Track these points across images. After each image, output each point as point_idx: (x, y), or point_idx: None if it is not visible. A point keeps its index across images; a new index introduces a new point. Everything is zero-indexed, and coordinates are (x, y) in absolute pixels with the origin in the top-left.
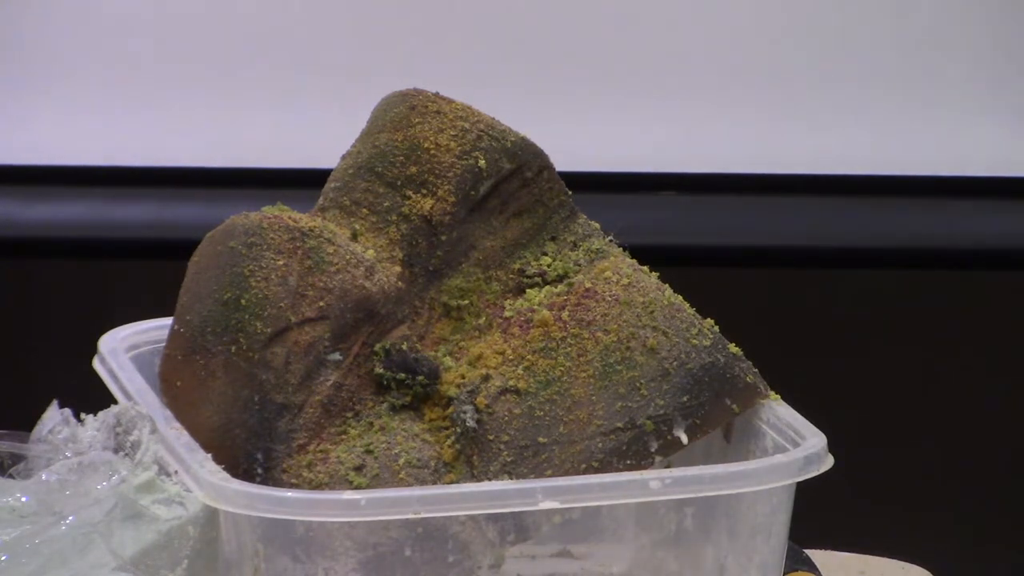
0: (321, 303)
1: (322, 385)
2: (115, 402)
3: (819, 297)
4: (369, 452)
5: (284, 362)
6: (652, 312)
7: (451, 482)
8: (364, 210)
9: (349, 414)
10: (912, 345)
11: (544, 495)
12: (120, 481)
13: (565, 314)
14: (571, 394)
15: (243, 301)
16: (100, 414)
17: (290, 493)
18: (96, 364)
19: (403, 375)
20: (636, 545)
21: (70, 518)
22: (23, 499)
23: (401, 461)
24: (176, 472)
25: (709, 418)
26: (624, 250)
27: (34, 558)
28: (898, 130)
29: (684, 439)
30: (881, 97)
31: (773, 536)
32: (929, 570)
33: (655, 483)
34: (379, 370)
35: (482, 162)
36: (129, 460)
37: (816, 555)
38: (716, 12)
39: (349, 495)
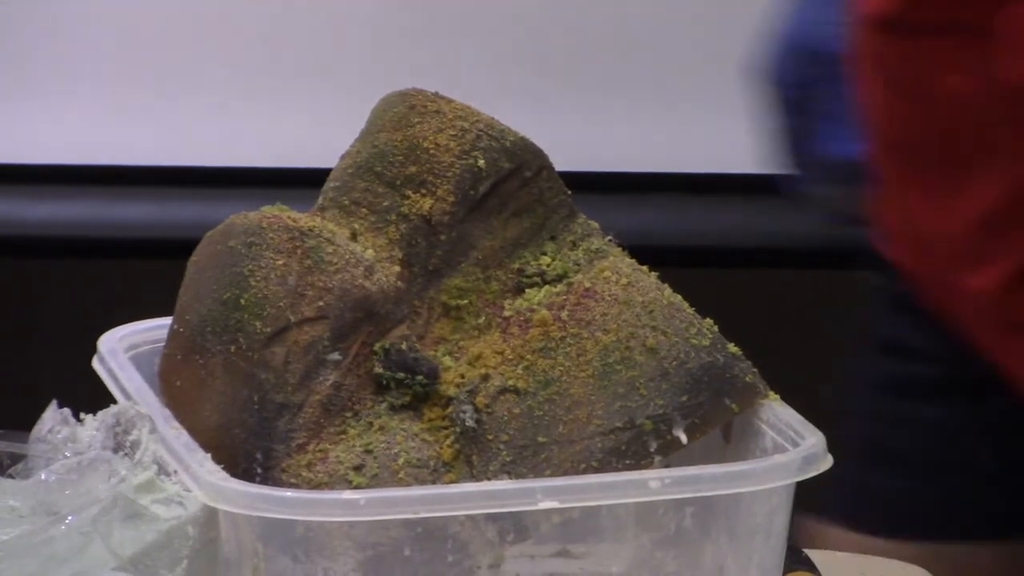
0: (320, 303)
1: (321, 385)
2: (115, 402)
3: (819, 297)
4: (368, 452)
5: (283, 362)
6: (651, 312)
7: (450, 482)
8: (363, 210)
9: (348, 414)
10: None
11: (544, 495)
12: (119, 481)
13: (564, 314)
14: (570, 394)
15: (242, 301)
16: (100, 414)
17: (289, 493)
18: (95, 364)
19: (402, 375)
20: (635, 545)
21: (70, 518)
22: (23, 499)
23: (400, 461)
24: (175, 472)
25: (708, 418)
26: (624, 250)
27: (34, 558)
28: None
29: (683, 439)
30: None
31: (773, 536)
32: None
33: (655, 483)
34: (378, 370)
35: (481, 162)
36: (128, 460)
37: (816, 555)
38: (716, 13)
39: (349, 495)
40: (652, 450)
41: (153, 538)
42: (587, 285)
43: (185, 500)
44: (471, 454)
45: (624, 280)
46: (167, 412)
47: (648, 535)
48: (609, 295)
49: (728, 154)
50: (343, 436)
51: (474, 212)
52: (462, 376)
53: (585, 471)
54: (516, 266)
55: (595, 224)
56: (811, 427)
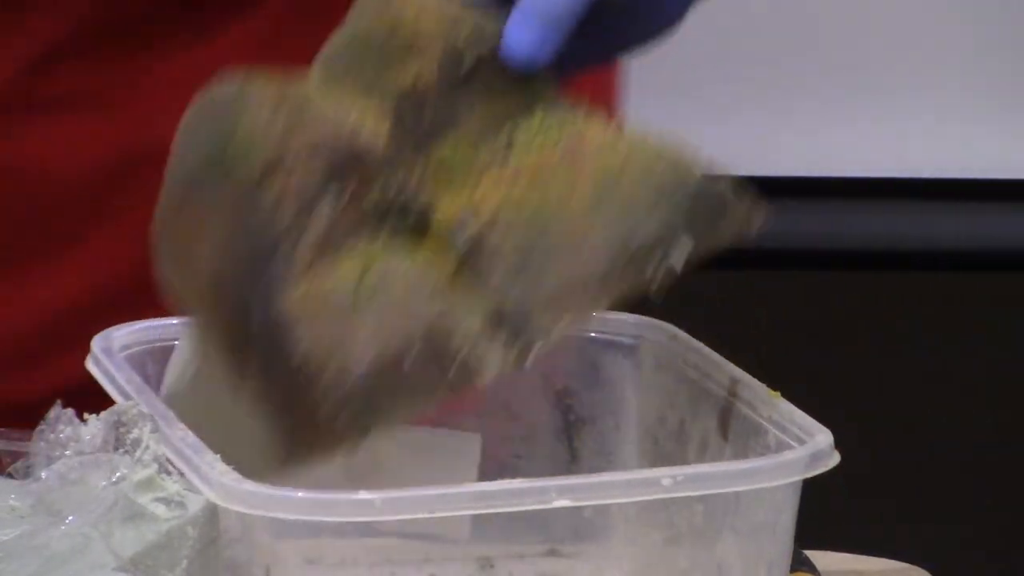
0: (309, 149)
1: (315, 224)
2: (115, 402)
3: (817, 299)
4: (361, 281)
5: (274, 204)
6: (644, 144)
7: (448, 304)
8: (348, 82)
9: (343, 252)
10: (912, 345)
11: (558, 493)
12: (120, 479)
13: (556, 153)
14: (566, 219)
15: (230, 150)
16: (103, 413)
17: (301, 493)
18: (89, 364)
19: (396, 212)
20: (645, 543)
21: (69, 518)
22: (23, 498)
23: (399, 284)
24: (182, 473)
25: (703, 244)
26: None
27: (34, 558)
28: (897, 131)
29: (679, 264)
30: (879, 98)
31: (780, 533)
32: (929, 571)
33: (667, 480)
34: (372, 209)
35: (464, 39)
36: (129, 457)
37: (815, 556)
38: (717, 12)
39: (364, 495)
40: (647, 275)
41: (153, 538)
42: (579, 131)
43: (186, 499)
44: (470, 277)
45: (615, 126)
46: (170, 412)
47: (657, 533)
48: (600, 137)
49: (729, 155)
50: (333, 273)
51: (459, 89)
52: (458, 210)
53: (583, 296)
54: (504, 136)
55: (582, 102)
56: (816, 424)
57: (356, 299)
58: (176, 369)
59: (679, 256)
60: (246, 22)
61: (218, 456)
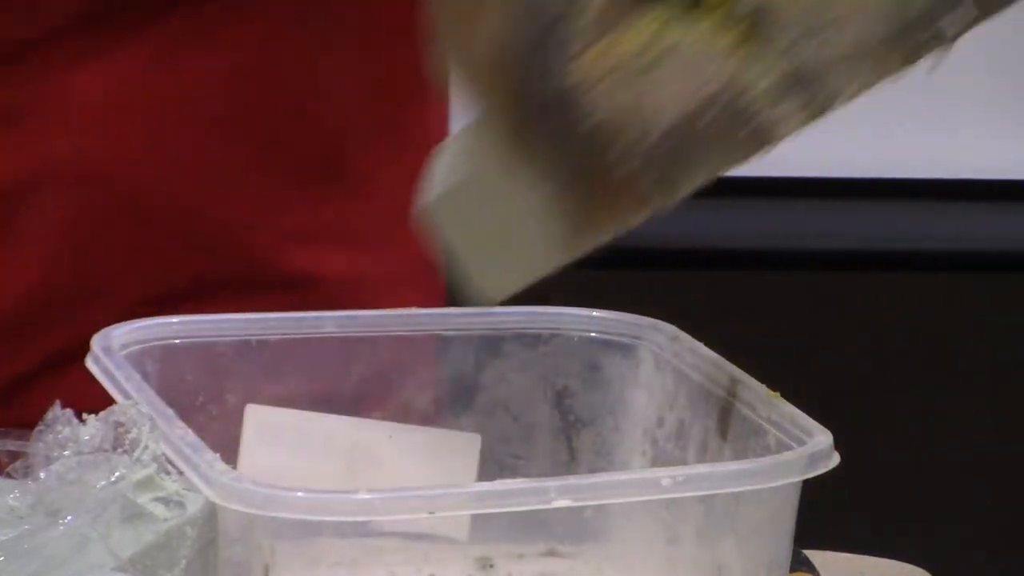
0: None
1: None
2: (115, 401)
3: (817, 299)
4: (650, 47)
5: None
6: None
7: (740, 67)
8: None
9: (628, 22)
10: (912, 345)
11: (557, 493)
12: (119, 479)
13: None
14: None
15: None
16: (101, 413)
17: (300, 493)
18: (89, 363)
19: None
20: (645, 543)
21: (68, 518)
22: (22, 498)
23: (690, 47)
24: (181, 472)
25: (982, 10)
26: None
27: (33, 559)
28: (901, 133)
29: (960, 31)
30: (883, 99)
31: (780, 533)
32: (929, 571)
33: (667, 481)
34: None
35: None
36: (128, 457)
37: (815, 556)
38: None
39: (363, 495)
40: (932, 40)
41: (152, 539)
42: None
43: (185, 499)
44: (756, 44)
45: None
46: (170, 411)
47: (657, 533)
48: None
49: None
50: (621, 40)
51: None
52: None
53: (873, 59)
54: None
55: None
56: (816, 424)
57: (649, 63)
58: (443, 172)
59: (962, 21)
60: (146, 41)
61: (217, 455)
